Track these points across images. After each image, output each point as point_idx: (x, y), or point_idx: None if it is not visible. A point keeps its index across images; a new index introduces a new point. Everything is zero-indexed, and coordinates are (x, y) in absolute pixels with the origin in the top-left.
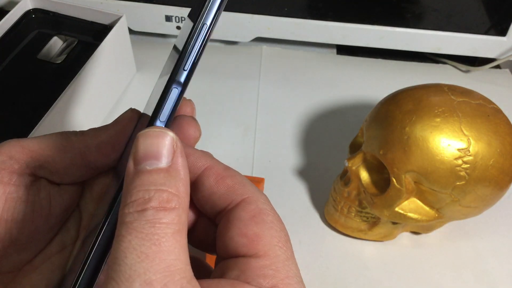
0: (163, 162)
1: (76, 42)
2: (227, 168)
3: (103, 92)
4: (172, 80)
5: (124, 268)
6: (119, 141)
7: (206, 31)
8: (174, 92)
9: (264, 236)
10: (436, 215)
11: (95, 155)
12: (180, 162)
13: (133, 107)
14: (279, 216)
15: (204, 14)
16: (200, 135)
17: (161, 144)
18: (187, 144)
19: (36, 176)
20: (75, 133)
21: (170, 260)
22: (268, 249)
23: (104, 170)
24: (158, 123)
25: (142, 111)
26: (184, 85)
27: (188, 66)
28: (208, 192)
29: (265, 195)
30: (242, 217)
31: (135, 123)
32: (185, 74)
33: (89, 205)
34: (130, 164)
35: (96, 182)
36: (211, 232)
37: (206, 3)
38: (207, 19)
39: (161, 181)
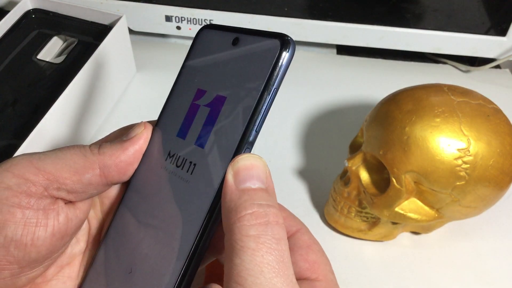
0: (263, 183)
1: (76, 42)
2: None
3: (103, 92)
4: (245, 141)
5: (262, 281)
6: (137, 159)
7: (275, 93)
8: (247, 151)
9: (321, 263)
10: (436, 215)
11: (114, 174)
12: (272, 184)
13: (145, 121)
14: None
15: (275, 81)
16: None
17: (261, 168)
18: None
19: (53, 198)
20: (91, 150)
21: (291, 275)
22: (325, 274)
23: (118, 183)
24: None
25: (153, 121)
26: (253, 143)
27: (259, 128)
28: None
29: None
30: (301, 245)
31: (149, 138)
32: (255, 134)
33: (98, 216)
34: (230, 182)
35: (105, 194)
36: None
37: (277, 71)
38: (276, 83)
39: (266, 198)
